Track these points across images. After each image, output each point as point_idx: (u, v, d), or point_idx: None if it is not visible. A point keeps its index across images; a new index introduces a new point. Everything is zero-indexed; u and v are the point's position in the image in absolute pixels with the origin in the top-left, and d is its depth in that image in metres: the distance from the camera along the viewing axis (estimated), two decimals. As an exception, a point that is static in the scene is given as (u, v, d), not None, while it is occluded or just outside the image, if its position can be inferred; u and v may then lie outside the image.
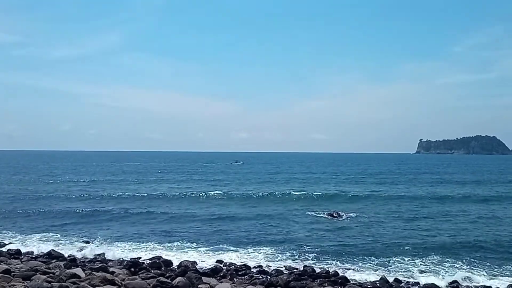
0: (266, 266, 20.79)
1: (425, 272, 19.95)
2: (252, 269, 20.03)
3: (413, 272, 19.91)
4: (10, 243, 24.03)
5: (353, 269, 20.33)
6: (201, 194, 48.80)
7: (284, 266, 20.75)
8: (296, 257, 22.52)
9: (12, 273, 15.39)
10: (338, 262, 21.48)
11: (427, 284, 17.89)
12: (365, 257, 22.42)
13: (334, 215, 35.80)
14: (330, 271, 19.82)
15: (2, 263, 17.78)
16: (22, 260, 19.73)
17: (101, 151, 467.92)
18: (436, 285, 17.73)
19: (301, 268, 20.01)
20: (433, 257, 22.28)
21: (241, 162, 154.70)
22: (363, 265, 21.03)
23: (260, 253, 23.33)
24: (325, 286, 16.57)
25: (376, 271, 20.10)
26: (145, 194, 49.12)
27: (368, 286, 16.98)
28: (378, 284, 17.37)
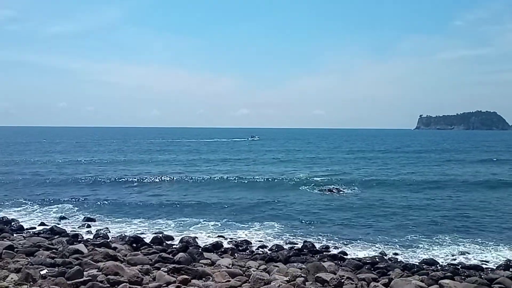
0: (267, 241, 21.02)
1: (425, 248, 20.16)
2: (252, 245, 20.27)
3: (413, 248, 20.13)
4: (12, 219, 24.19)
5: (353, 245, 20.56)
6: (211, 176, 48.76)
7: (284, 241, 20.98)
8: (296, 232, 22.73)
9: (16, 249, 15.55)
10: (337, 238, 21.69)
11: (426, 259, 18.10)
12: (365, 233, 22.64)
13: (334, 191, 36.04)
14: (330, 246, 20.09)
15: (5, 239, 17.96)
16: (25, 236, 19.88)
17: (98, 127, 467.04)
18: (434, 260, 17.94)
19: (301, 244, 20.24)
20: (435, 234, 22.40)
21: (256, 137, 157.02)
22: (362, 240, 21.22)
23: (261, 229, 23.54)
24: (324, 261, 16.76)
25: (375, 246, 20.32)
26: (151, 171, 49.33)
27: (367, 261, 17.17)
28: (376, 259, 17.58)
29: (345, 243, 20.84)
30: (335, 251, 19.26)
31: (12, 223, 23.03)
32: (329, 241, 21.05)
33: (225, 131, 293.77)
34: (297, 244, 20.34)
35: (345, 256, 18.36)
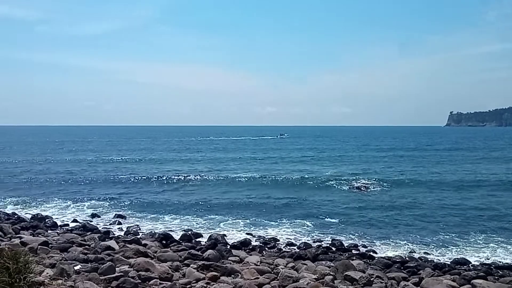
0: (295, 239, 21.03)
1: (456, 247, 19.81)
2: (280, 242, 20.31)
3: (444, 247, 19.81)
4: (47, 216, 24.87)
5: (382, 243, 20.37)
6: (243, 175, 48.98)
7: (312, 239, 20.94)
8: (324, 231, 22.67)
9: (50, 245, 15.98)
10: (366, 236, 21.53)
11: (457, 259, 17.77)
12: (394, 232, 22.39)
13: (362, 189, 35.72)
14: (358, 244, 19.95)
15: (40, 235, 18.50)
16: (58, 233, 20.41)
17: (129, 126, 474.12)
18: (467, 260, 17.60)
19: (329, 242, 20.17)
20: (467, 233, 21.97)
21: (286, 135, 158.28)
22: (391, 239, 21.00)
23: (289, 227, 23.56)
24: (353, 259, 16.65)
25: (405, 245, 20.07)
26: (181, 169, 49.95)
27: (397, 260, 16.98)
28: (406, 258, 17.37)
29: (374, 241, 20.66)
30: (363, 250, 19.12)
31: (47, 220, 23.67)
32: (357, 240, 20.91)
33: (253, 129, 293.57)
34: (325, 242, 20.27)
35: (374, 255, 18.21)
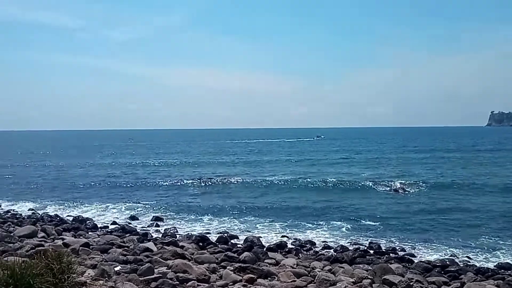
0: (331, 242, 20.83)
1: (500, 252, 19.11)
2: (317, 245, 20.15)
3: (487, 252, 19.15)
4: (87, 218, 25.55)
5: (421, 247, 19.91)
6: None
7: (349, 242, 20.69)
8: (362, 234, 22.35)
9: (91, 246, 16.40)
10: (405, 239, 21.10)
11: (501, 263, 17.18)
12: (434, 235, 21.83)
13: (401, 191, 35.04)
14: (397, 248, 19.57)
15: (81, 237, 19.03)
16: (99, 234, 20.93)
17: (168, 129, 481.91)
18: (511, 264, 16.98)
19: (367, 245, 19.88)
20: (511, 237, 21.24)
21: (322, 136, 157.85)
22: (431, 243, 20.49)
23: (325, 229, 23.36)
24: (391, 263, 16.32)
25: (445, 249, 19.54)
26: (217, 172, 50.43)
27: (437, 264, 16.54)
28: (447, 262, 16.90)
29: (413, 245, 20.21)
30: (402, 253, 18.73)
31: (87, 222, 24.33)
32: (395, 243, 20.51)
33: (289, 131, 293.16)
34: (362, 245, 19.98)
35: (413, 259, 17.82)
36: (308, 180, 41.97)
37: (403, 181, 39.48)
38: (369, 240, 20.71)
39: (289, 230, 23.17)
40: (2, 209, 28.79)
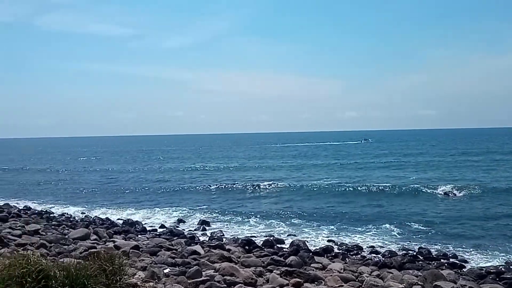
0: (378, 246, 20.43)
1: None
2: (364, 250, 19.82)
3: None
4: (136, 221, 26.24)
5: (473, 252, 19.16)
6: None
7: (397, 247, 20.22)
8: (410, 238, 21.79)
9: (141, 249, 16.84)
10: (456, 244, 20.37)
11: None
12: (487, 241, 20.95)
13: (452, 195, 33.92)
14: (448, 253, 18.94)
15: (131, 240, 19.57)
16: (148, 237, 21.45)
17: (211, 134, 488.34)
18: None
19: (416, 250, 19.36)
20: None
21: (369, 140, 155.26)
22: (484, 248, 19.67)
23: (372, 234, 22.94)
24: (442, 269, 15.83)
25: (500, 255, 18.73)
26: (262, 176, 50.64)
27: (491, 271, 15.88)
28: (502, 269, 16.20)
29: (465, 250, 19.49)
30: (453, 259, 18.12)
31: (136, 225, 24.98)
32: (446, 248, 19.84)
33: (335, 134, 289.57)
34: (411, 250, 19.47)
35: (465, 265, 17.22)
36: (355, 184, 41.36)
37: (454, 185, 38.11)
38: (418, 245, 20.14)
39: (336, 235, 22.91)
40: (53, 213, 29.90)
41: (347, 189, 38.63)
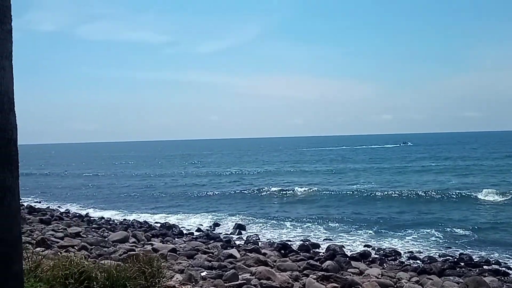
0: (417, 252, 19.99)
1: None
2: (402, 256, 19.43)
3: None
4: (173, 224, 26.62)
5: (518, 259, 18.50)
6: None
7: (437, 253, 19.74)
8: (451, 244, 21.20)
9: (178, 252, 17.06)
10: (500, 251, 19.68)
11: None
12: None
13: (494, 200, 32.80)
14: (490, 260, 18.33)
15: (169, 243, 19.86)
16: (184, 240, 21.72)
17: (246, 138, 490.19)
18: None
19: (457, 256, 18.84)
20: None
21: (409, 143, 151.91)
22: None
23: (411, 239, 22.46)
24: (485, 276, 15.32)
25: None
26: (298, 180, 50.51)
27: (538, 278, 15.29)
28: (550, 277, 15.57)
29: (509, 257, 18.81)
30: (497, 266, 17.52)
31: (173, 228, 25.35)
32: (489, 255, 19.18)
33: (373, 138, 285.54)
34: (452, 256, 18.96)
35: (509, 272, 16.61)
36: (393, 188, 40.61)
37: (497, 189, 36.77)
38: (459, 251, 19.61)
39: (373, 240, 22.56)
40: (93, 216, 30.68)
41: (385, 193, 37.85)
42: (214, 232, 24.74)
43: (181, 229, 25.52)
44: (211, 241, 21.20)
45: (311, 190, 41.52)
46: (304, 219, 28.51)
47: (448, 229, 24.05)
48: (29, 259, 7.61)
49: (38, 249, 12.33)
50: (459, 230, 23.80)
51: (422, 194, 36.73)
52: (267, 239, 22.70)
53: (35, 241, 15.52)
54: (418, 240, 22.26)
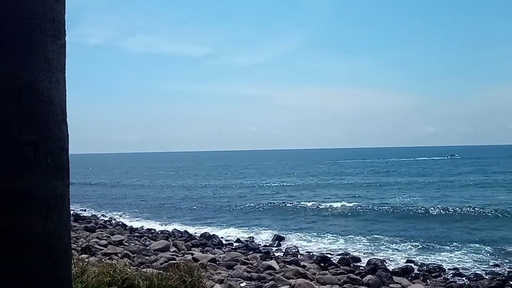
0: (463, 269, 19.30)
1: None
2: (447, 271, 18.82)
3: None
4: (213, 234, 26.82)
5: None
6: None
7: (484, 270, 18.99)
8: (499, 261, 20.35)
9: (217, 262, 17.19)
10: (552, 270, 18.75)
11: None
12: None
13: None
14: (542, 279, 17.48)
15: (208, 253, 20.03)
16: (224, 251, 21.83)
17: (283, 150, 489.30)
18: None
19: (505, 274, 18.07)
20: None
21: (456, 155, 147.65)
22: None
23: (456, 255, 21.73)
24: (536, 295, 14.64)
25: None
26: (338, 194, 49.97)
27: None
28: None
29: None
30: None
31: (213, 239, 25.53)
32: (541, 273, 18.30)
33: (414, 150, 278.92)
34: (499, 274, 18.17)
35: None
36: (439, 202, 39.39)
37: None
38: (508, 270, 18.79)
39: (416, 255, 21.94)
40: (135, 225, 31.32)
41: (429, 207, 36.51)
42: (253, 243, 24.73)
43: (221, 239, 25.68)
44: (250, 252, 21.22)
45: (353, 203, 40.85)
46: (345, 232, 28.11)
47: (497, 247, 23.04)
48: (76, 265, 7.87)
49: (83, 255, 12.70)
50: (508, 247, 22.81)
51: (470, 209, 35.27)
52: (307, 252, 22.50)
53: (80, 248, 16.01)
54: (464, 256, 21.49)
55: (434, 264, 20.03)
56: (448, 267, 19.44)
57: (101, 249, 17.45)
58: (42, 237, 3.70)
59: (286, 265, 17.15)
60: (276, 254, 21.76)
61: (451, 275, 18.37)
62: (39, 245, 3.69)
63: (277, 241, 25.31)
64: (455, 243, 24.12)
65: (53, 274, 3.77)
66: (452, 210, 35.10)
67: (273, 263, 17.15)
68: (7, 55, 3.71)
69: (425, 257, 21.55)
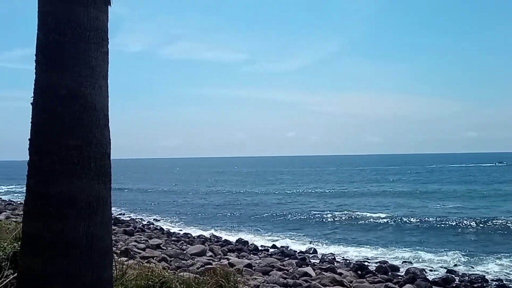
0: (507, 280, 18.59)
1: None
2: (490, 282, 18.16)
3: None
4: (249, 240, 26.88)
5: None
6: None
7: (530, 282, 18.24)
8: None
9: (253, 267, 17.20)
10: None
11: None
12: None
13: None
14: None
15: (244, 258, 20.07)
16: (260, 256, 21.82)
17: (321, 156, 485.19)
18: None
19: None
20: None
21: (504, 162, 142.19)
22: None
23: (498, 266, 20.96)
24: None
25: None
26: (379, 202, 49.24)
27: None
28: None
29: None
30: None
31: (249, 244, 25.58)
32: None
33: (458, 156, 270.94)
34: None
35: None
36: (482, 211, 38.24)
37: None
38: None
39: (456, 265, 21.31)
40: (172, 229, 31.74)
41: (471, 217, 35.21)
42: (289, 249, 24.61)
43: (256, 245, 25.68)
44: (286, 258, 21.14)
45: (392, 211, 40.07)
46: (383, 241, 27.62)
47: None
48: (116, 268, 8.06)
49: (122, 258, 12.97)
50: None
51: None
52: (343, 259, 22.24)
53: (119, 251, 16.35)
54: (507, 267, 20.71)
55: (477, 274, 19.41)
56: (491, 278, 18.80)
57: (139, 253, 17.74)
58: (85, 239, 3.84)
59: (322, 272, 17.00)
60: (312, 261, 21.56)
61: (495, 286, 17.74)
62: (82, 247, 3.82)
63: (313, 248, 25.12)
64: (500, 254, 23.26)
65: (95, 275, 3.90)
66: (498, 220, 33.63)
67: (309, 269, 17.03)
68: (53, 63, 3.88)
69: (467, 267, 20.88)
